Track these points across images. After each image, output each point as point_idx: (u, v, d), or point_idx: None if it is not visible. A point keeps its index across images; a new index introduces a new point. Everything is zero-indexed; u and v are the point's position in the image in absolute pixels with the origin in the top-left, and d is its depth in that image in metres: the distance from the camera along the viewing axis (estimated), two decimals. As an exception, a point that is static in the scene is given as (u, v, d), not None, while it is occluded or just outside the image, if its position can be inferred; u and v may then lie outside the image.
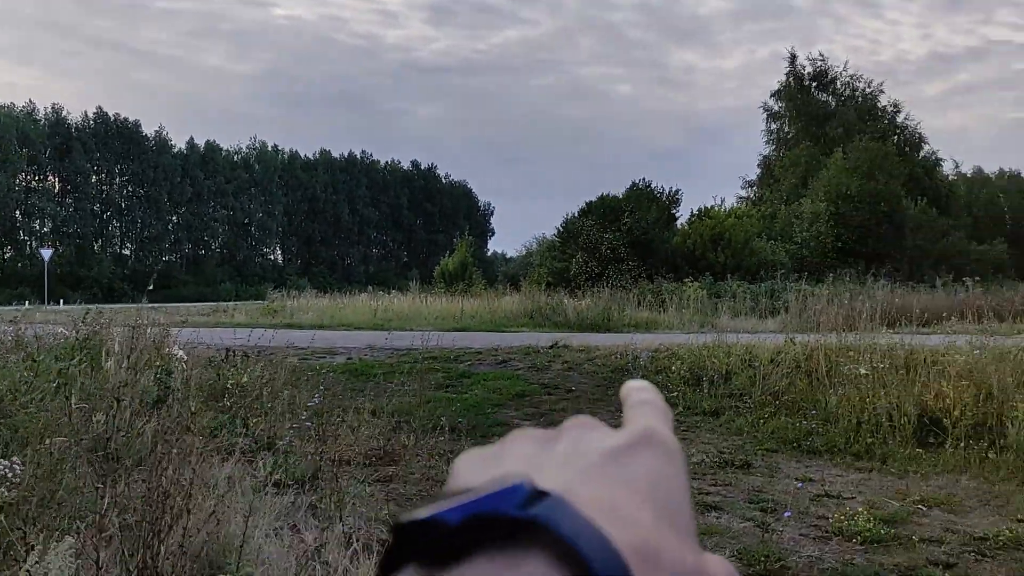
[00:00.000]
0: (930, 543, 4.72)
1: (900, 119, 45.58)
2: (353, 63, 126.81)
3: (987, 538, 4.78)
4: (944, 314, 14.88)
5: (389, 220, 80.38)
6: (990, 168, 52.34)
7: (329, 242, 76.70)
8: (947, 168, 46.54)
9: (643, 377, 10.04)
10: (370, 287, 31.34)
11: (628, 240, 29.13)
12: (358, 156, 79.39)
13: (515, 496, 0.29)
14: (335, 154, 77.77)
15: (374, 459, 6.30)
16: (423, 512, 0.29)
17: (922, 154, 44.32)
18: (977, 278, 17.67)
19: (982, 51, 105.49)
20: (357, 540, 3.32)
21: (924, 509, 5.48)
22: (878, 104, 45.45)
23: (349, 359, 11.81)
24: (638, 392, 0.40)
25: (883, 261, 29.70)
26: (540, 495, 0.29)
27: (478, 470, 0.35)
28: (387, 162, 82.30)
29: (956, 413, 7.34)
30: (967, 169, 50.15)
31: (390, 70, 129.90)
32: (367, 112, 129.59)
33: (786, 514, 4.95)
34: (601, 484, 0.32)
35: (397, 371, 10.50)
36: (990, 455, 6.74)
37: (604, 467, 0.33)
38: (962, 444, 7.02)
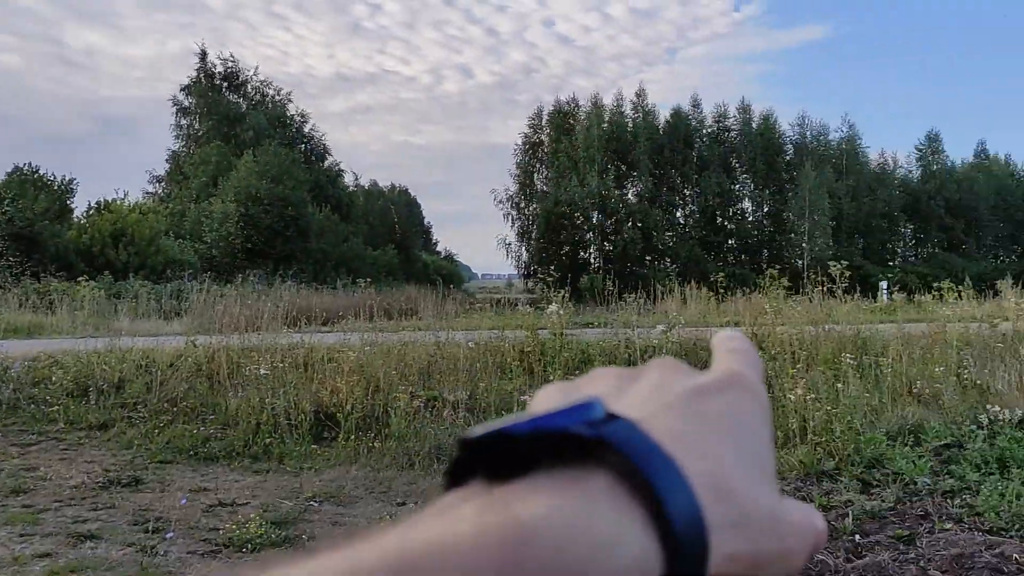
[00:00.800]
0: (319, 540, 4.76)
1: (307, 129, 48.33)
2: None
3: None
4: (341, 313, 15.93)
5: None
6: (384, 182, 58.70)
7: None
8: (348, 179, 50.86)
9: (14, 391, 8.59)
10: None
11: (8, 232, 25.26)
12: None
13: (585, 414, 0.29)
14: None
15: None
16: (492, 426, 0.29)
17: (327, 164, 47.65)
18: (369, 279, 19.48)
19: (377, 77, 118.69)
20: None
21: (316, 505, 5.56)
22: (287, 112, 47.41)
23: None
24: (729, 341, 0.40)
25: (290, 263, 30.99)
26: (612, 418, 0.29)
27: (555, 397, 0.35)
28: None
29: (348, 407, 7.75)
30: (365, 182, 55.52)
31: None
32: None
33: (168, 534, 4.51)
34: (680, 417, 0.32)
35: None
36: (376, 444, 7.23)
37: (685, 403, 0.33)
38: (353, 436, 7.41)
